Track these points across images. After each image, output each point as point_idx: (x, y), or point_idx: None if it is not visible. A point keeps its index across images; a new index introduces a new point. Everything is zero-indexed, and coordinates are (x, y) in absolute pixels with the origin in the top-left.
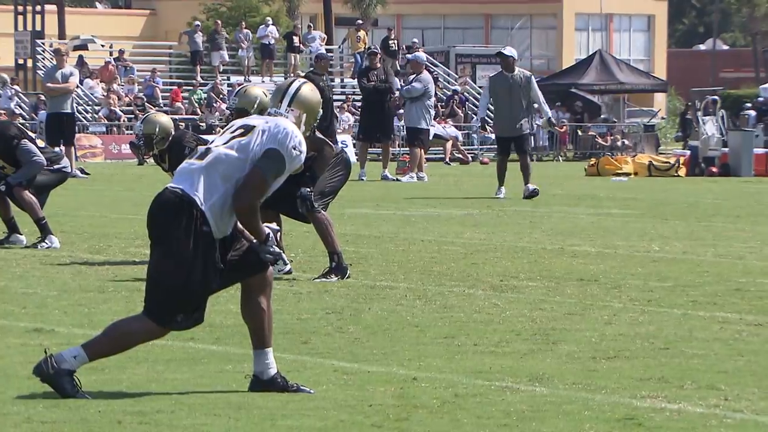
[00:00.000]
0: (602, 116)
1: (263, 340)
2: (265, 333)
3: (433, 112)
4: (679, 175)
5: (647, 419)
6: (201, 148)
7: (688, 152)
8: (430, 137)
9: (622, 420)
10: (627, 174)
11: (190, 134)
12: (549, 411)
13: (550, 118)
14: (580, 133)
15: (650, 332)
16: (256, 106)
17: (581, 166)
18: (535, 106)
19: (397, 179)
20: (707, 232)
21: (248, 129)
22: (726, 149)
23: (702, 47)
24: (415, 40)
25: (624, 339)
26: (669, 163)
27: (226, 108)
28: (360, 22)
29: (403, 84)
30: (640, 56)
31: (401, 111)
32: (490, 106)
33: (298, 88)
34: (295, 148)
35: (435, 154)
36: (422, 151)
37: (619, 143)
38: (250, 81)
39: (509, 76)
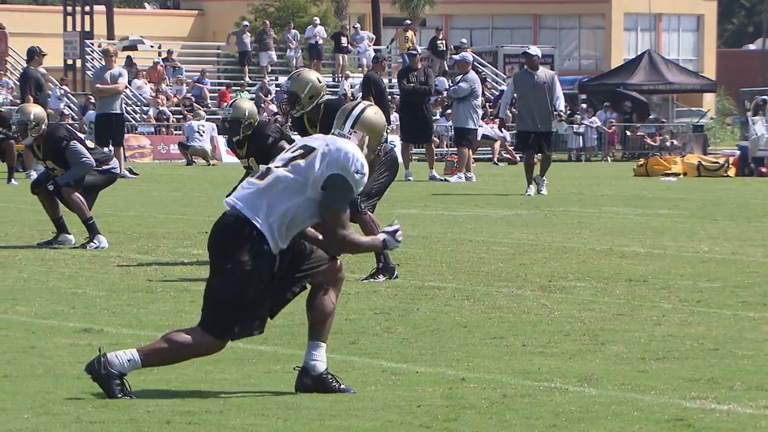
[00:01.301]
0: (651, 116)
1: (321, 334)
2: (325, 328)
3: (480, 113)
4: (728, 176)
5: (697, 420)
6: (262, 167)
7: (738, 152)
8: (478, 137)
9: (671, 421)
10: (676, 174)
11: (275, 126)
12: (598, 412)
13: (560, 113)
14: (628, 133)
15: (699, 333)
16: (307, 89)
17: (630, 167)
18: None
19: (445, 179)
20: (757, 233)
21: (308, 151)
22: None
23: (751, 47)
24: (464, 40)
25: (673, 340)
26: (718, 163)
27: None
28: (408, 22)
29: (450, 84)
30: (689, 56)
31: (449, 111)
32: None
33: (363, 111)
34: (357, 172)
35: (483, 154)
36: (470, 151)
37: (668, 143)
38: None
39: (533, 74)
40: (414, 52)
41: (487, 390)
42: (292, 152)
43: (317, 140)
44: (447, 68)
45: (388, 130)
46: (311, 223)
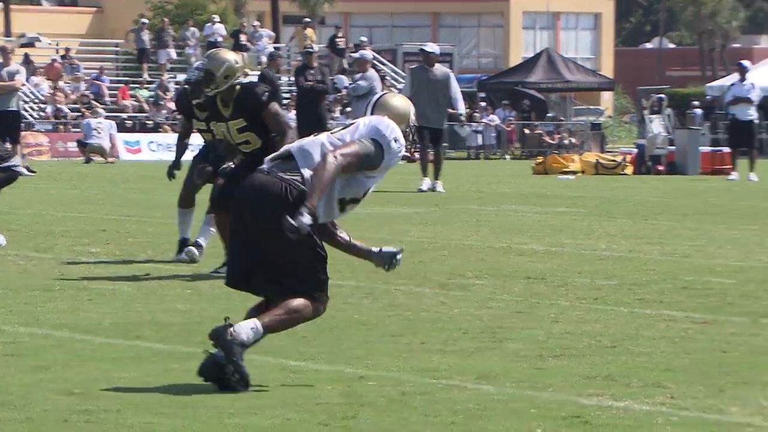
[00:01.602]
0: (549, 114)
1: (271, 324)
2: (277, 321)
3: None
4: (625, 174)
5: (594, 417)
6: (283, 151)
7: (635, 150)
8: None
9: (568, 418)
10: (574, 172)
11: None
12: (496, 409)
13: (461, 115)
14: (527, 131)
15: (597, 330)
16: (223, 69)
17: (528, 165)
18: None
19: None
20: (654, 231)
21: (347, 125)
22: (672, 147)
23: (649, 46)
24: (363, 38)
25: (571, 337)
26: (616, 161)
27: (185, 82)
28: (307, 20)
29: (350, 82)
30: (587, 54)
31: (349, 109)
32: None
33: (380, 97)
34: (395, 140)
35: None
36: None
37: (566, 141)
38: None
39: (429, 70)
40: (311, 50)
41: (385, 388)
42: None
43: (355, 120)
44: (346, 66)
45: (413, 115)
46: (356, 191)
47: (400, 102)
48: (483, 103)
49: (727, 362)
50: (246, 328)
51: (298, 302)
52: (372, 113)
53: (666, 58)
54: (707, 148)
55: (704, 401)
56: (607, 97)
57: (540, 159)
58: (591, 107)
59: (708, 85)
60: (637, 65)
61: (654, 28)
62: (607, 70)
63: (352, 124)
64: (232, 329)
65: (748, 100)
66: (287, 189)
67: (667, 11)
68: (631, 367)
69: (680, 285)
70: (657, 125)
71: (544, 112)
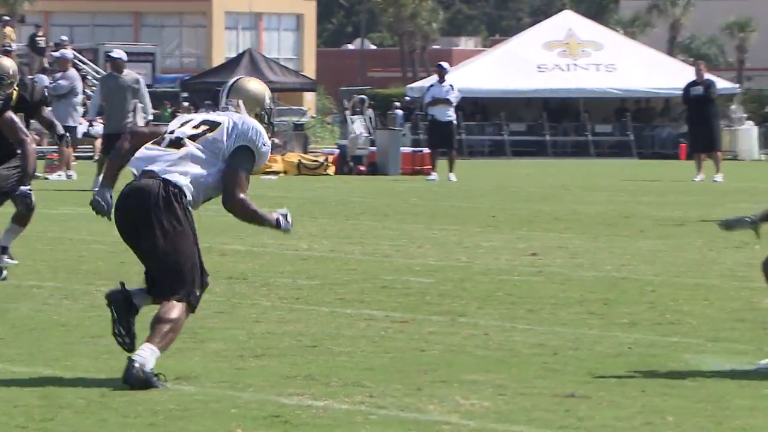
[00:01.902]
0: None
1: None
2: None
3: (81, 110)
4: (328, 174)
5: (293, 417)
6: (170, 136)
7: (337, 151)
8: (79, 135)
9: (268, 418)
10: (276, 172)
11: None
12: (196, 409)
13: (150, 121)
14: None
15: (298, 330)
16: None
17: None
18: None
19: (46, 178)
20: (355, 230)
21: (214, 125)
22: (374, 148)
23: (350, 47)
24: (64, 37)
25: (272, 337)
26: (318, 161)
27: None
28: (7, 18)
29: (50, 81)
30: (290, 55)
31: (50, 108)
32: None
33: (235, 81)
34: (264, 145)
35: (84, 152)
36: (71, 149)
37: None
38: None
39: (118, 77)
40: (9, 48)
41: (84, 389)
42: (194, 127)
43: (218, 115)
44: (47, 65)
45: (269, 98)
46: (219, 192)
47: (256, 86)
48: (186, 103)
49: (426, 361)
50: (149, 357)
51: (177, 311)
52: (227, 97)
53: (368, 59)
54: (408, 149)
55: (402, 400)
56: (310, 98)
57: None
58: (294, 108)
59: (409, 86)
60: (339, 66)
61: (356, 29)
62: (310, 70)
63: (211, 121)
64: (139, 365)
65: (447, 101)
66: (165, 185)
67: (368, 12)
68: (332, 366)
69: (380, 284)
70: (358, 126)
71: None
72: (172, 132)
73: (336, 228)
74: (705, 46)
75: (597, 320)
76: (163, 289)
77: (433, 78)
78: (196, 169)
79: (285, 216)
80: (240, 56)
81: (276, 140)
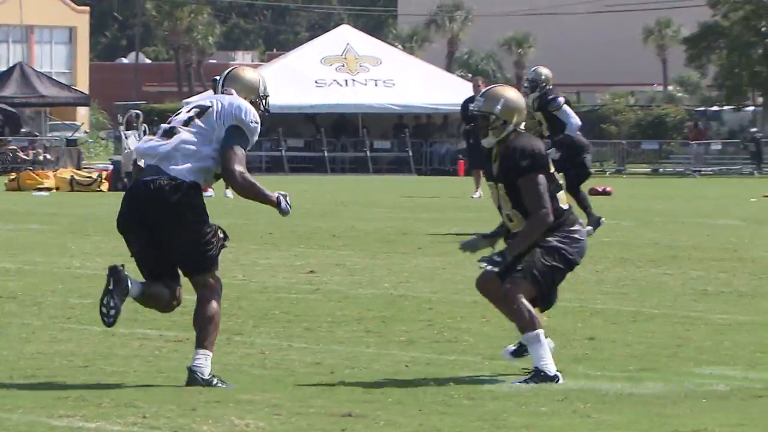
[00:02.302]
0: (23, 130)
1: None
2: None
3: None
4: (101, 190)
5: None
6: (164, 126)
7: (111, 167)
8: None
9: None
10: (49, 189)
11: None
12: None
13: None
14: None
15: (69, 350)
16: None
17: (2, 181)
18: None
19: None
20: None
21: (203, 109)
22: None
23: (125, 60)
24: None
25: (43, 357)
26: (92, 177)
27: None
28: None
29: None
30: (63, 69)
31: None
32: None
33: (230, 70)
34: (252, 122)
35: None
36: None
37: (41, 157)
38: None
39: None
40: None
41: None
42: (187, 112)
43: (208, 99)
44: None
45: (263, 85)
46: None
47: (250, 74)
48: None
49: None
50: (205, 364)
51: (211, 305)
52: (223, 85)
53: (143, 73)
54: None
55: (176, 420)
56: (83, 113)
57: (13, 175)
58: (67, 122)
59: (185, 101)
60: (114, 80)
61: (130, 42)
62: (83, 84)
63: (201, 105)
64: (199, 373)
65: None
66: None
67: (143, 26)
68: (104, 387)
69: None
70: (133, 141)
71: (18, 126)
72: (169, 122)
73: (110, 246)
74: (483, 61)
75: (374, 338)
76: (200, 264)
77: (210, 93)
78: (192, 155)
79: (285, 197)
80: (11, 70)
81: (48, 156)
